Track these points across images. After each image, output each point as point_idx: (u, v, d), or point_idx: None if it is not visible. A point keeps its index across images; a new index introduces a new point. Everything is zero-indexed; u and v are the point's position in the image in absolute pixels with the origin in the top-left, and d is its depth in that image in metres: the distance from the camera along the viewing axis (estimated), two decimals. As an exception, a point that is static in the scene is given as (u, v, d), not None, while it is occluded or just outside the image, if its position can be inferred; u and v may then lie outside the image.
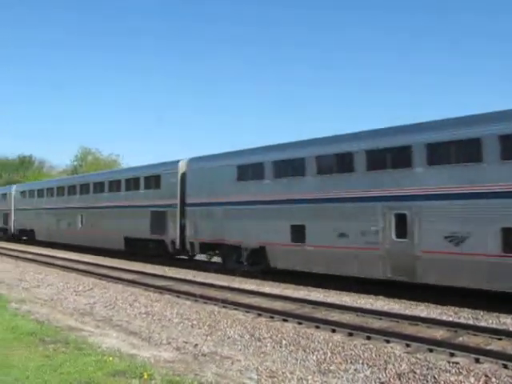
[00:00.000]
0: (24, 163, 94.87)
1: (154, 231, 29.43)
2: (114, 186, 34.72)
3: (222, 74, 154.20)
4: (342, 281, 19.54)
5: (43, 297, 18.07)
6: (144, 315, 14.97)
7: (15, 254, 36.07)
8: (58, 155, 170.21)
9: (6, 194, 54.19)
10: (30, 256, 33.91)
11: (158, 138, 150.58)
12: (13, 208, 51.29)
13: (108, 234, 33.97)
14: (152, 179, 30.37)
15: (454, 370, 9.30)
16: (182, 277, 22.48)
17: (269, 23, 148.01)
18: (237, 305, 15.73)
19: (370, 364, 9.87)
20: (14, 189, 52.88)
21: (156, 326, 13.55)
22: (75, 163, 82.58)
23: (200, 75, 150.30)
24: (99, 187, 36.57)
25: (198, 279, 21.72)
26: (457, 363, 9.66)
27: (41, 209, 45.05)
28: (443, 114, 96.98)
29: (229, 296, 17.30)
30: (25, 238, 49.33)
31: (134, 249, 31.75)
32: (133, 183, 32.42)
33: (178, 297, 17.67)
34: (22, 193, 50.84)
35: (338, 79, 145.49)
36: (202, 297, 17.05)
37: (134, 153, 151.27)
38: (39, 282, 22.00)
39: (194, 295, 17.45)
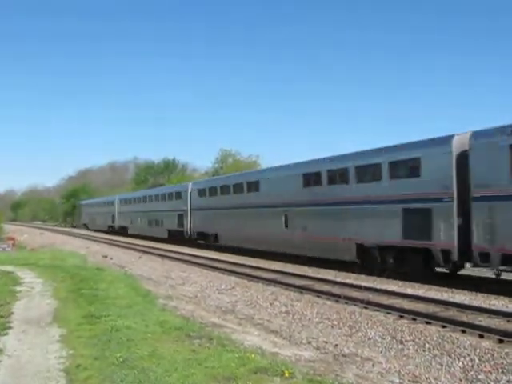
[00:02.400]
0: (168, 166, 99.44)
1: (410, 235, 21.21)
2: (337, 176, 25.88)
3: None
4: (490, 283, 18.50)
5: (188, 294, 18.88)
6: (284, 314, 15.13)
7: (161, 252, 38.15)
8: (199, 158, 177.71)
9: (180, 193, 48.63)
10: (174, 255, 35.69)
11: (295, 140, 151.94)
12: (189, 208, 45.74)
13: (330, 239, 25.81)
14: (405, 164, 21.83)
15: None
16: (323, 276, 22.43)
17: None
18: (378, 306, 15.42)
19: (525, 375, 9.20)
20: (190, 186, 46.58)
21: (296, 325, 13.64)
22: (216, 165, 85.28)
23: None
24: (314, 179, 27.72)
25: (339, 279, 21.56)
26: None
27: (225, 208, 37.95)
28: None
29: (370, 297, 17.00)
30: (202, 241, 43.91)
31: (372, 260, 23.46)
32: (370, 172, 23.72)
33: (319, 296, 17.65)
34: (201, 190, 43.99)
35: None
36: (342, 297, 16.91)
37: (272, 154, 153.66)
38: (184, 280, 23.02)
39: (334, 295, 17.36)
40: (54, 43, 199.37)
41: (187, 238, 45.99)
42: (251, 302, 17.12)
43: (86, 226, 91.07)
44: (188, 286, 21.12)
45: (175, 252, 37.98)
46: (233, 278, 22.98)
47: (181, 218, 47.10)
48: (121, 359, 8.68)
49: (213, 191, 41.22)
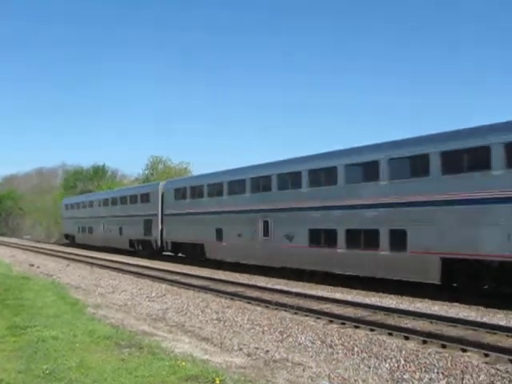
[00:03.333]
0: (98, 172, 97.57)
1: None
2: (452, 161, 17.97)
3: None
4: (416, 287, 19.12)
5: (118, 302, 18.57)
6: (215, 321, 15.12)
7: (90, 260, 37.38)
8: (128, 165, 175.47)
9: (148, 194, 40.52)
10: (103, 263, 34.97)
11: (224, 148, 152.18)
12: (160, 213, 38.42)
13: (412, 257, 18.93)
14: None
15: (537, 382, 8.90)
16: (254, 283, 22.56)
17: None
18: (308, 311, 15.64)
19: (446, 374, 9.56)
20: (161, 186, 38.98)
21: (227, 331, 13.65)
22: (146, 172, 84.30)
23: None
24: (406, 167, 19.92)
25: (269, 285, 21.73)
26: (541, 375, 9.24)
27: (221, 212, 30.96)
28: None
29: (300, 302, 17.22)
30: (180, 254, 37.59)
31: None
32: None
33: (250, 303, 17.72)
34: (178, 190, 36.63)
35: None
36: (273, 303, 17.05)
37: (201, 162, 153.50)
38: (113, 288, 22.62)
39: (265, 301, 17.48)
40: None
41: (156, 249, 38.72)
42: (182, 310, 17.01)
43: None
44: (118, 294, 20.76)
45: (105, 260, 37.23)
46: (164, 286, 22.76)
47: (148, 224, 39.70)
48: (47, 371, 8.39)
49: (198, 191, 33.94)
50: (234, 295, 19.24)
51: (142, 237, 40.89)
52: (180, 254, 37.53)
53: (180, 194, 36.16)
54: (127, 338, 11.44)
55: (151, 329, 13.62)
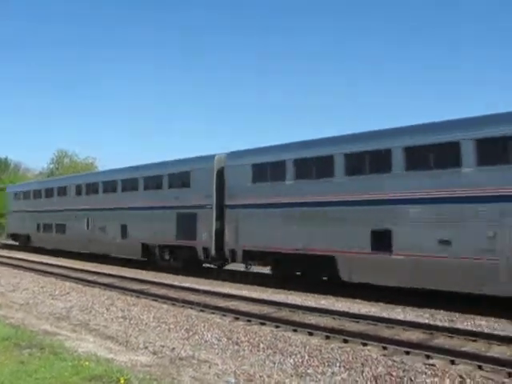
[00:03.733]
0: (0, 166, 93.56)
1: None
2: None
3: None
4: (320, 285, 19.61)
5: (19, 301, 17.88)
6: (121, 319, 14.88)
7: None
8: (33, 158, 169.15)
9: (188, 174, 25.91)
10: (4, 260, 33.46)
11: (132, 144, 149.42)
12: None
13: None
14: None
15: (429, 372, 9.38)
16: (160, 280, 22.38)
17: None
18: (214, 308, 15.71)
19: (347, 367, 9.91)
20: (218, 161, 24.88)
21: (133, 330, 13.47)
22: (51, 166, 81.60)
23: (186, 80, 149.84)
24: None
25: (176, 283, 21.64)
26: (433, 365, 9.74)
27: None
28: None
29: (207, 300, 17.26)
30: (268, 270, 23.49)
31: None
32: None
33: (156, 300, 17.57)
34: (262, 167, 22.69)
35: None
36: (179, 300, 17.01)
37: (109, 157, 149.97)
38: (14, 286, 21.72)
39: (171, 299, 17.40)
40: None
41: (206, 260, 25.53)
42: (87, 308, 16.61)
43: None
44: (19, 293, 19.95)
45: (5, 257, 35.66)
46: (68, 283, 22.10)
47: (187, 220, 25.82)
48: None
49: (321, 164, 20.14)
50: (140, 293, 19.01)
51: (172, 241, 26.93)
52: (267, 270, 23.08)
53: (267, 172, 22.30)
54: (28, 338, 11.08)
55: (54, 328, 13.24)
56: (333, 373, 9.65)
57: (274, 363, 10.31)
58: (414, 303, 16.20)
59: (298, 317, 14.62)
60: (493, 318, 14.17)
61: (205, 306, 16.00)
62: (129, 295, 18.80)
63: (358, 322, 13.80)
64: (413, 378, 9.09)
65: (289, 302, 16.93)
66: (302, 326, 13.21)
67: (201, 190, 24.95)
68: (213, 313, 15.31)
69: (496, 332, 12.49)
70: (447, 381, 8.94)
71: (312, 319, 14.28)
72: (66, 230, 37.20)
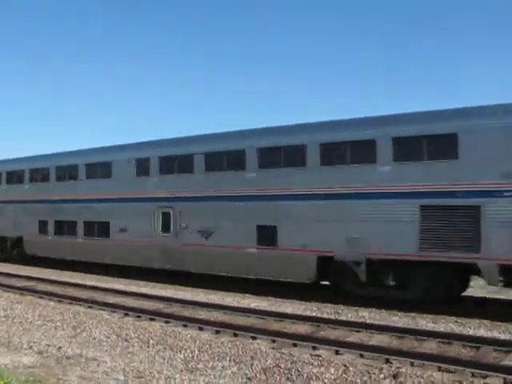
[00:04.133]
0: None
1: None
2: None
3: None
4: (210, 280, 19.70)
5: None
6: (3, 318, 14.23)
7: None
8: None
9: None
10: None
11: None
12: None
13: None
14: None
15: (316, 363, 9.72)
16: (46, 276, 21.60)
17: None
18: (103, 305, 15.42)
19: (237, 360, 10.06)
20: None
21: (16, 329, 12.93)
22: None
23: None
24: None
25: (63, 279, 20.98)
26: (319, 356, 10.09)
27: None
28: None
29: (95, 296, 16.89)
30: None
31: None
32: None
33: (41, 298, 16.97)
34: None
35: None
36: (66, 297, 16.52)
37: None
38: None
39: (58, 295, 16.87)
40: None
41: None
42: (-37, 307, 15.74)
43: None
44: None
45: None
46: None
47: None
48: None
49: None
50: (24, 290, 18.27)
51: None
52: None
53: None
54: None
55: None
56: (223, 367, 9.76)
57: (164, 359, 10.29)
58: (303, 297, 16.61)
59: (188, 312, 14.63)
60: (374, 309, 14.88)
61: (93, 303, 15.67)
62: (12, 292, 18.03)
63: (248, 316, 13.98)
64: (300, 369, 9.37)
65: (178, 297, 16.87)
66: (192, 321, 13.24)
67: None
68: (102, 309, 15.01)
69: (376, 322, 13.15)
70: (332, 370, 9.30)
71: (202, 314, 14.34)
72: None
